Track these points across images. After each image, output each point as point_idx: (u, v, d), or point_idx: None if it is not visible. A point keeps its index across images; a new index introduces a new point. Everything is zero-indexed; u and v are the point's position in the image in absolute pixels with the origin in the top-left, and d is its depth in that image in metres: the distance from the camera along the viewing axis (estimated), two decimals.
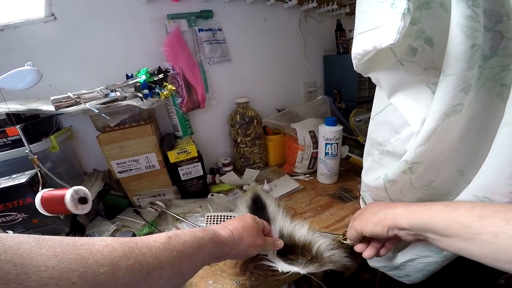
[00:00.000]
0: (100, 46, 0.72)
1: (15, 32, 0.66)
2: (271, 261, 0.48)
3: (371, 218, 0.40)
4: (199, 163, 0.76)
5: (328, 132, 0.70)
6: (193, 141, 0.78)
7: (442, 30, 0.32)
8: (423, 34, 0.35)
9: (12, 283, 0.17)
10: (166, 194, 0.77)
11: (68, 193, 0.40)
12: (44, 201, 0.41)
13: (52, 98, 0.55)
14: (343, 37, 0.97)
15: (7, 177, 0.50)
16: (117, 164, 0.68)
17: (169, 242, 0.29)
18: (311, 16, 0.99)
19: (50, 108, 0.56)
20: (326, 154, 0.73)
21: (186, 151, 0.73)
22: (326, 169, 0.75)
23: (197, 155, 0.74)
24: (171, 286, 0.28)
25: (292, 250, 0.50)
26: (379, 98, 0.45)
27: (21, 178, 0.48)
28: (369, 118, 0.48)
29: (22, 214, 0.49)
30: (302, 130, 0.77)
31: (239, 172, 0.90)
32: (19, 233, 0.51)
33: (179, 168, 0.74)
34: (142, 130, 0.67)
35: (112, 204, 0.74)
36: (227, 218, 0.63)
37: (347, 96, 0.94)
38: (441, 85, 0.32)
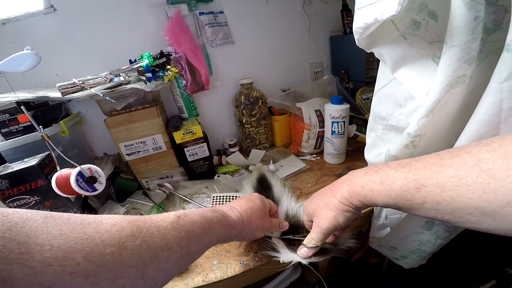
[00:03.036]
0: (102, 34, 0.74)
1: (17, 25, 0.68)
2: (274, 248, 0.48)
3: (328, 215, 0.38)
4: (205, 144, 0.78)
5: (334, 111, 0.70)
6: (199, 122, 0.79)
7: (445, 3, 0.31)
8: (426, 8, 0.34)
9: (14, 263, 0.16)
10: (173, 175, 0.80)
11: (73, 173, 0.42)
12: (57, 181, 0.43)
13: (58, 84, 0.57)
14: (349, 17, 0.94)
15: (19, 161, 0.53)
16: (125, 146, 0.71)
17: (178, 222, 0.29)
18: None
19: (57, 94, 0.58)
20: (333, 132, 0.73)
21: (191, 131, 0.75)
22: (333, 149, 0.76)
23: (202, 135, 0.76)
24: (178, 267, 0.28)
25: (296, 231, 0.51)
26: (383, 73, 0.44)
27: (32, 161, 0.51)
28: None
29: (35, 197, 0.52)
30: (308, 109, 0.77)
31: (245, 152, 0.92)
32: None
33: (185, 149, 0.76)
34: (147, 112, 0.69)
35: (122, 187, 0.78)
36: (232, 199, 0.66)
37: (355, 76, 0.92)
38: (444, 56, 0.31)
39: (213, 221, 0.34)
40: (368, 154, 0.49)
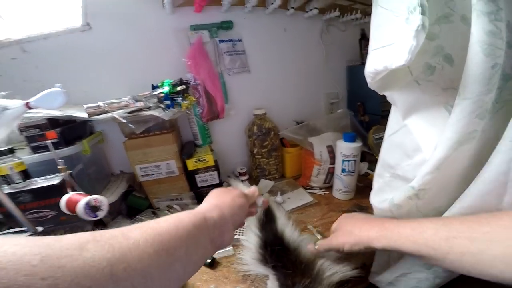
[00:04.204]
0: (129, 55, 0.80)
1: (57, 40, 0.76)
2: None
3: (347, 240, 0.43)
4: (215, 172, 0.79)
5: (346, 149, 0.69)
6: (212, 150, 0.81)
7: (463, 46, 0.30)
8: (442, 50, 0.33)
9: None
10: (183, 198, 0.82)
11: (82, 202, 0.45)
12: (67, 203, 0.46)
13: (85, 106, 0.62)
14: (367, 46, 0.95)
15: (43, 177, 0.57)
16: (140, 168, 0.74)
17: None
18: (333, 25, 0.99)
19: (84, 115, 0.63)
20: (343, 170, 0.71)
21: (203, 160, 0.77)
22: (342, 185, 0.74)
23: (214, 164, 0.78)
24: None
25: (294, 266, 0.50)
26: (394, 118, 0.44)
27: (55, 180, 0.55)
28: None
29: (53, 211, 0.56)
30: (319, 145, 0.77)
31: (255, 181, 0.92)
32: (48, 228, 0.58)
33: (196, 176, 0.78)
34: (164, 138, 0.73)
35: (134, 205, 0.80)
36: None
37: (372, 109, 0.92)
38: (456, 110, 0.31)
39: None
40: (374, 199, 0.48)
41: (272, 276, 0.51)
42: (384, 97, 0.87)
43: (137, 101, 0.66)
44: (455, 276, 0.41)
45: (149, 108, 0.67)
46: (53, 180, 0.56)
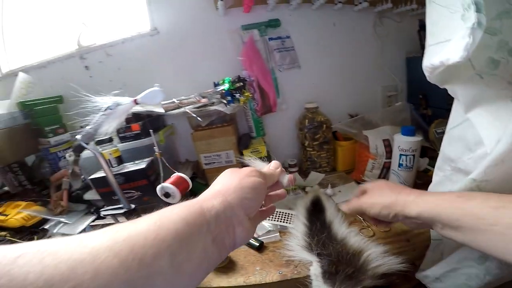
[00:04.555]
0: (191, 56, 0.93)
1: (132, 43, 0.93)
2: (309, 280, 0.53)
3: (380, 200, 0.42)
4: (267, 163, 0.86)
5: (404, 143, 0.67)
6: (264, 142, 0.88)
7: None
8: (506, 45, 0.34)
9: None
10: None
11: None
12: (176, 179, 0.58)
13: (162, 102, 0.75)
14: None
15: (132, 163, 0.72)
16: (204, 157, 0.87)
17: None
18: (387, 17, 0.96)
19: (161, 110, 0.77)
20: (400, 165, 0.70)
21: (258, 150, 0.85)
22: (398, 181, 0.73)
23: (266, 155, 0.85)
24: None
25: (340, 255, 0.54)
26: (456, 111, 0.44)
27: (142, 164, 0.69)
28: None
29: (138, 192, 0.70)
30: (375, 138, 0.77)
31: (305, 174, 0.96)
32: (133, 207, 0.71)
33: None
34: (225, 130, 0.83)
35: (197, 190, 0.93)
36: (286, 215, 0.71)
37: (435, 102, 0.86)
38: None
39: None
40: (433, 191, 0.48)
41: (316, 263, 0.55)
42: None
43: (203, 97, 0.77)
44: (506, 276, 0.40)
45: (213, 104, 0.77)
46: (140, 165, 0.70)
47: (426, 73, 0.41)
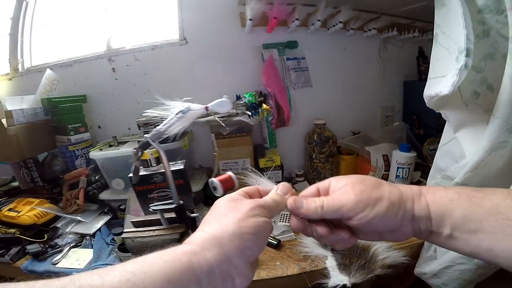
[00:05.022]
0: (215, 68, 1.06)
1: (161, 51, 1.05)
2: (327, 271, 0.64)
3: (356, 197, 0.31)
4: (280, 171, 1.00)
5: (401, 157, 0.84)
6: (278, 153, 1.02)
7: (501, 78, 0.44)
8: (486, 81, 0.50)
9: None
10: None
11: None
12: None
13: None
14: (425, 64, 1.10)
15: (172, 163, 0.81)
16: (223, 163, 0.98)
17: None
18: (391, 42, 1.15)
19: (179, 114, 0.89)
20: (397, 176, 0.87)
21: (272, 160, 0.98)
22: None
23: (280, 164, 0.99)
24: None
25: (351, 249, 0.67)
26: (447, 131, 0.61)
27: (178, 165, 0.79)
28: None
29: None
30: (376, 153, 0.93)
31: (310, 183, 1.10)
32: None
33: (264, 173, 0.99)
34: (243, 140, 0.96)
35: (210, 195, 1.04)
36: None
37: (427, 123, 1.06)
38: (490, 126, 0.46)
39: None
40: None
41: (331, 257, 0.68)
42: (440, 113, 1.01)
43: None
44: (496, 269, 0.53)
45: (237, 114, 0.90)
46: (177, 166, 0.79)
47: (426, 100, 0.57)
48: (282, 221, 0.84)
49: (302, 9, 0.97)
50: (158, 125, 0.62)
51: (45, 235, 0.84)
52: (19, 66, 1.13)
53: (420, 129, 1.06)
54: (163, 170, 0.79)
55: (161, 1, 1.09)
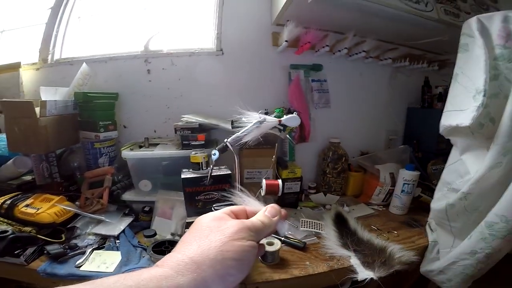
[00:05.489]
0: (246, 81, 1.20)
1: (198, 58, 1.17)
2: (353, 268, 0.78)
3: None
4: (299, 182, 1.15)
5: (408, 175, 1.05)
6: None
7: (502, 113, 0.64)
8: (489, 115, 0.68)
9: None
10: (267, 200, 1.16)
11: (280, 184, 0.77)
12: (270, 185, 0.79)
13: (233, 119, 1.00)
14: (429, 93, 1.34)
15: (216, 168, 0.91)
16: (247, 172, 1.11)
17: None
18: (401, 71, 1.39)
19: (228, 126, 1.02)
20: (402, 191, 1.07)
21: (294, 171, 1.14)
22: (399, 203, 1.09)
23: (300, 176, 1.14)
24: None
25: (371, 250, 0.83)
26: (454, 154, 0.81)
27: (227, 170, 0.89)
28: (443, 168, 0.84)
29: (217, 194, 0.88)
30: (384, 171, 1.14)
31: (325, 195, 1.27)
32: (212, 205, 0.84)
33: (285, 183, 1.14)
34: (268, 151, 1.10)
35: None
36: (317, 224, 0.97)
37: (426, 147, 1.29)
38: (490, 151, 0.67)
39: None
40: (434, 204, 0.85)
41: (354, 257, 0.84)
42: (440, 139, 1.24)
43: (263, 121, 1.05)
44: (491, 263, 0.71)
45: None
46: (226, 170, 0.90)
47: (441, 129, 0.77)
48: (304, 227, 0.98)
49: (333, 36, 1.17)
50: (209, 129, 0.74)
51: (62, 235, 0.84)
52: (49, 57, 1.17)
53: (419, 153, 1.30)
54: (215, 174, 0.88)
55: (199, 9, 1.21)
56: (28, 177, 1.11)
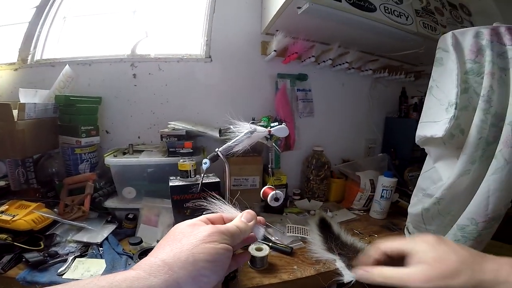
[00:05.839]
0: (234, 88, 1.23)
1: (186, 65, 1.18)
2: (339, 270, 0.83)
3: (449, 256, 0.36)
4: (285, 189, 1.19)
5: (386, 181, 1.12)
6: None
7: (471, 124, 0.71)
8: (459, 126, 0.75)
9: None
10: (255, 207, 1.19)
11: (271, 194, 0.79)
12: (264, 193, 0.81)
13: (221, 128, 1.02)
14: (405, 103, 1.44)
15: (205, 175, 0.90)
16: (234, 179, 1.14)
17: None
18: (380, 82, 1.48)
19: (216, 134, 1.04)
20: (382, 196, 1.14)
21: (280, 179, 1.17)
22: (379, 207, 1.16)
23: (285, 183, 1.18)
24: None
25: (354, 253, 0.88)
26: (428, 162, 0.89)
27: (215, 178, 0.90)
28: (418, 175, 0.91)
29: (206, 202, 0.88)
30: (365, 178, 1.21)
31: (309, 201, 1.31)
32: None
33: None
34: (255, 160, 1.14)
35: None
36: (302, 230, 1.02)
37: (402, 155, 1.38)
38: (460, 159, 0.74)
39: None
40: (411, 209, 0.91)
41: (339, 260, 0.88)
42: (415, 147, 1.33)
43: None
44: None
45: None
46: (214, 178, 0.91)
47: (417, 139, 0.84)
48: (290, 233, 1.01)
49: (319, 46, 1.23)
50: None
51: (41, 243, 0.82)
52: (29, 58, 1.13)
53: (396, 160, 1.39)
54: (205, 181, 0.88)
55: (189, 15, 1.23)
56: (1, 183, 1.05)
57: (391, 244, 0.41)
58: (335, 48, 1.22)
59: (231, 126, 0.75)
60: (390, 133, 1.51)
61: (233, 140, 0.75)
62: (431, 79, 0.84)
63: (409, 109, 1.43)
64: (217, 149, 0.77)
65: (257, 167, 1.14)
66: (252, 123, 0.76)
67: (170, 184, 0.87)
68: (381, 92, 1.50)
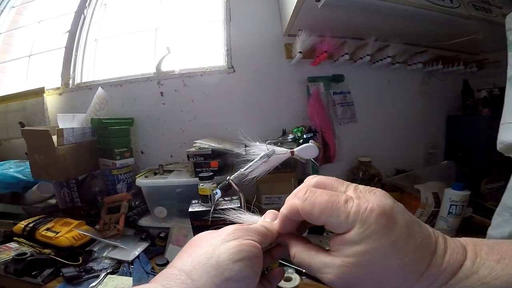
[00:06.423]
0: (260, 99, 1.16)
1: (209, 78, 1.15)
2: None
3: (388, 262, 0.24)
4: None
5: (455, 195, 0.91)
6: None
7: None
8: None
9: None
10: None
11: None
12: None
13: (246, 146, 0.95)
14: (471, 98, 1.19)
15: (228, 200, 0.82)
16: (266, 197, 1.06)
17: None
18: (433, 75, 1.26)
19: (242, 151, 0.97)
20: (449, 213, 0.93)
21: None
22: (446, 225, 0.94)
23: None
24: None
25: None
26: None
27: (236, 203, 0.81)
28: (500, 186, 0.71)
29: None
30: (426, 191, 1.00)
31: None
32: None
33: None
34: (287, 176, 1.04)
35: None
36: None
37: (473, 160, 1.13)
38: None
39: None
40: (492, 231, 0.71)
41: None
42: (492, 149, 1.08)
43: (275, 143, 0.99)
44: None
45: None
46: (235, 203, 0.81)
47: (499, 145, 0.65)
48: None
49: (351, 42, 1.09)
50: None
51: (80, 258, 0.88)
52: (70, 81, 1.22)
53: (466, 167, 1.13)
54: (225, 206, 0.83)
55: (208, 26, 1.23)
56: (53, 201, 1.18)
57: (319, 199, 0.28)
58: (371, 42, 1.06)
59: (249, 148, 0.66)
60: (454, 134, 1.25)
61: (246, 167, 0.65)
62: (508, 67, 0.65)
63: (477, 104, 1.17)
64: (228, 177, 0.69)
65: (289, 184, 1.04)
66: (270, 143, 0.64)
67: (190, 209, 0.83)
68: (436, 87, 1.27)
